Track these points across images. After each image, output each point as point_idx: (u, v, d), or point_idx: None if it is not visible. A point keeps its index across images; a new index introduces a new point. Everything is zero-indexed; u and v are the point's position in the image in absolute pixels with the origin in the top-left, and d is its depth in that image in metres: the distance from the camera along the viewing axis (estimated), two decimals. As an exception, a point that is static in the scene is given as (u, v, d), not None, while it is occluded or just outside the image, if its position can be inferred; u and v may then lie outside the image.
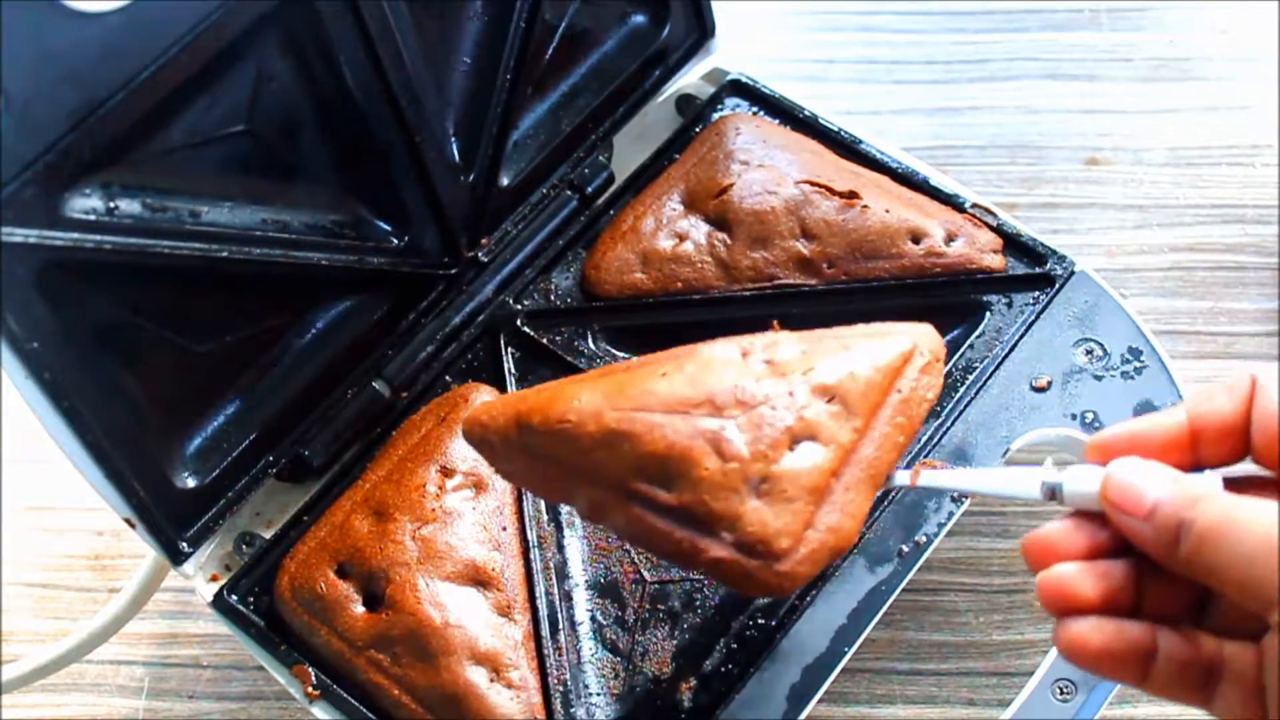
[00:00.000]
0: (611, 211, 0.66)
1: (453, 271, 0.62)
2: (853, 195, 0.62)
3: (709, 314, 0.62)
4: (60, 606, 0.67)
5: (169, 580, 0.59)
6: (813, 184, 0.63)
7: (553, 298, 0.64)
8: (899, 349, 0.47)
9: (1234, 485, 0.38)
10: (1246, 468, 0.40)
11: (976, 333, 0.61)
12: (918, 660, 0.62)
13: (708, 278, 0.62)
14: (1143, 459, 0.39)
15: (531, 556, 0.57)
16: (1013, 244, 0.63)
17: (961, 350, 0.61)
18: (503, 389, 0.61)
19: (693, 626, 0.56)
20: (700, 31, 0.68)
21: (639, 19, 0.66)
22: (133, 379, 0.52)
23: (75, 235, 0.48)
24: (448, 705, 0.53)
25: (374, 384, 0.60)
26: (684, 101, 0.69)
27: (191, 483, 0.55)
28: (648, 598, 0.57)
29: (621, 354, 0.63)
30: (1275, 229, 0.74)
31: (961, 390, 0.59)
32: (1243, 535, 0.36)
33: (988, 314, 0.61)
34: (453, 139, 0.60)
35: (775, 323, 0.51)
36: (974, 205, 0.64)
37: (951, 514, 0.56)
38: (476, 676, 0.53)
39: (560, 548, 0.58)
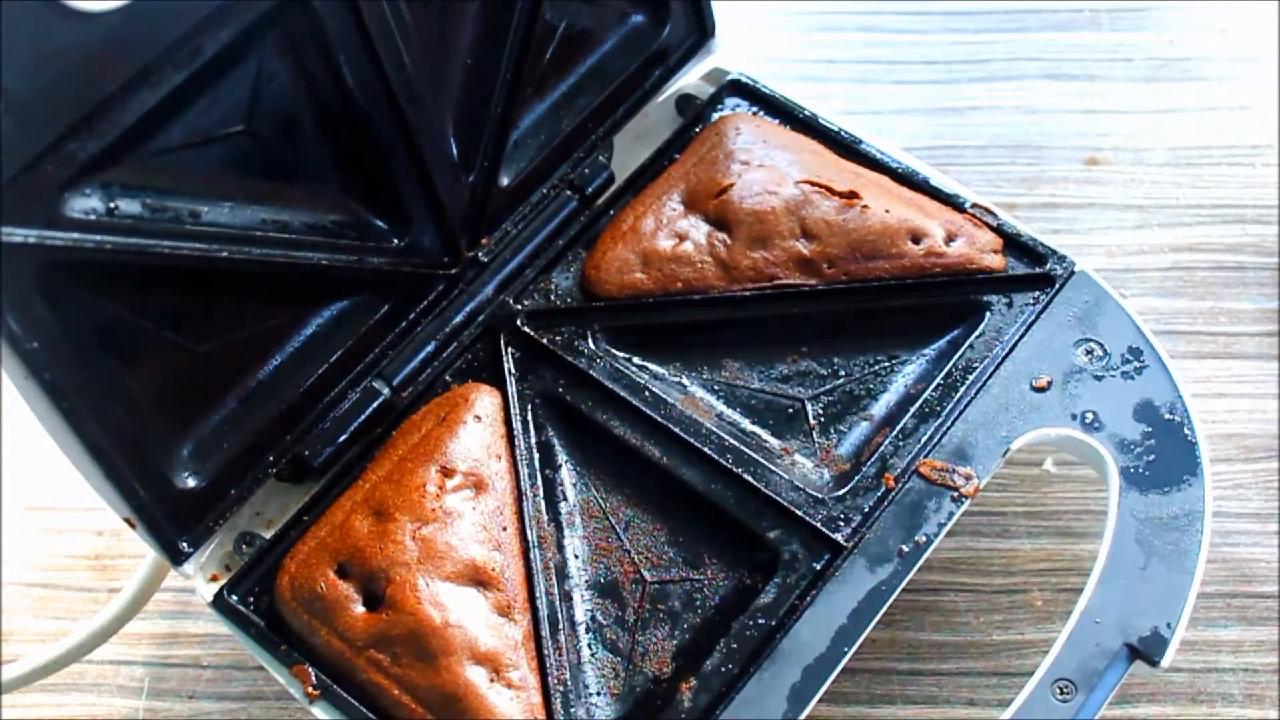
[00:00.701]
0: (611, 211, 0.66)
1: (453, 271, 0.62)
2: (853, 195, 0.62)
3: (709, 314, 0.62)
4: (60, 606, 0.67)
5: (169, 580, 0.59)
6: (813, 184, 0.63)
7: (553, 298, 0.64)
8: None
9: None
10: None
11: (976, 333, 0.61)
12: (918, 660, 0.62)
13: (708, 278, 0.62)
14: None
15: (531, 556, 0.57)
16: (1013, 244, 0.63)
17: (961, 350, 0.61)
18: (503, 389, 0.61)
19: (693, 626, 0.56)
20: (700, 31, 0.68)
21: (639, 19, 0.66)
22: (133, 379, 0.52)
23: (75, 235, 0.47)
24: (448, 705, 0.53)
25: (374, 384, 0.60)
26: (684, 101, 0.69)
27: (191, 483, 0.55)
28: (648, 598, 0.57)
29: (621, 354, 0.63)
30: (1275, 229, 0.74)
31: (961, 390, 0.59)
32: None
33: (988, 314, 0.61)
34: (453, 139, 0.60)
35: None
36: (974, 205, 0.64)
37: (951, 514, 0.56)
38: (476, 677, 0.53)
39: (560, 548, 0.58)
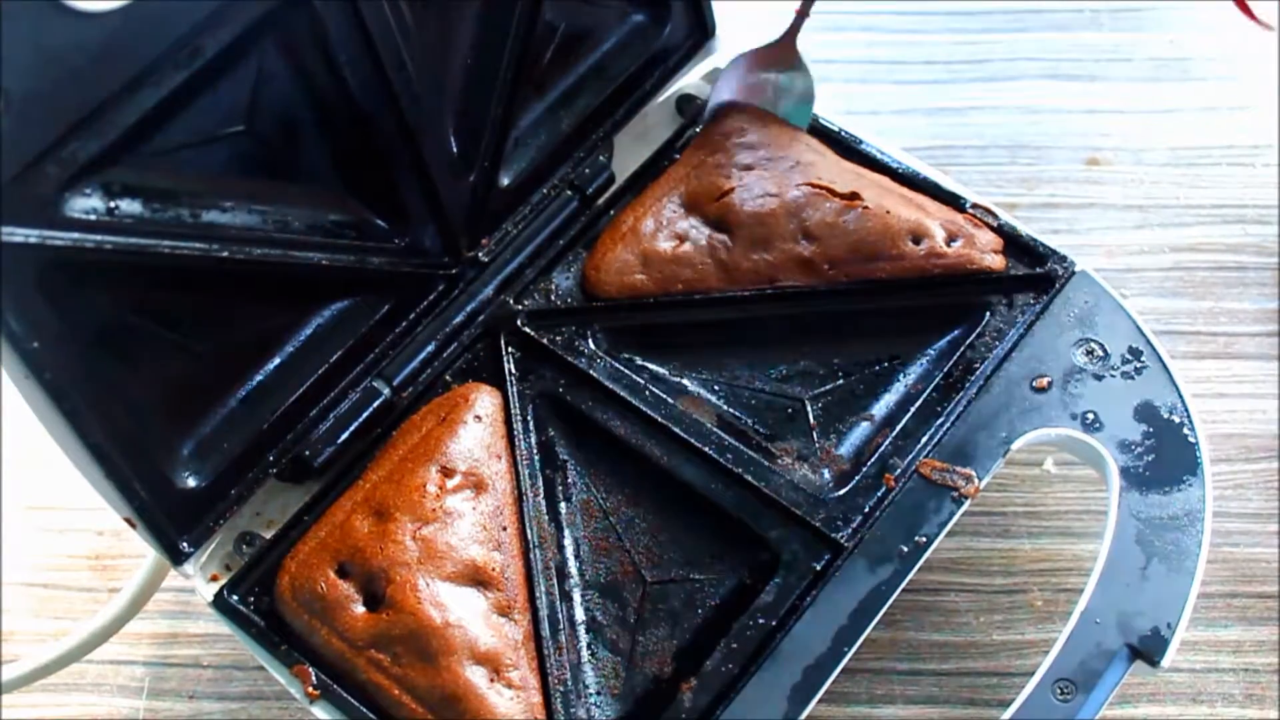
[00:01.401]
0: (612, 212, 0.66)
1: (453, 271, 0.62)
2: (854, 197, 0.62)
3: (709, 314, 0.62)
4: (60, 606, 0.67)
5: (169, 580, 0.59)
6: (814, 186, 0.63)
7: (553, 298, 0.64)
8: None
9: None
10: None
11: (976, 333, 0.61)
12: (918, 660, 0.62)
13: (708, 279, 0.62)
14: None
15: (531, 556, 0.56)
16: (1013, 244, 0.63)
17: (961, 350, 0.61)
18: (503, 389, 0.61)
19: (693, 626, 0.56)
20: (700, 31, 0.68)
21: (639, 19, 0.66)
22: (133, 379, 0.52)
23: (75, 235, 0.47)
24: (448, 705, 0.53)
25: (374, 384, 0.60)
26: (684, 101, 0.69)
27: (192, 483, 0.55)
28: (648, 598, 0.57)
29: (622, 354, 0.63)
30: (1275, 229, 0.74)
31: (962, 390, 0.59)
32: None
33: (988, 314, 0.61)
34: (453, 139, 0.60)
35: None
36: (974, 205, 0.64)
37: (952, 514, 0.56)
38: (476, 676, 0.53)
39: (560, 548, 0.58)
